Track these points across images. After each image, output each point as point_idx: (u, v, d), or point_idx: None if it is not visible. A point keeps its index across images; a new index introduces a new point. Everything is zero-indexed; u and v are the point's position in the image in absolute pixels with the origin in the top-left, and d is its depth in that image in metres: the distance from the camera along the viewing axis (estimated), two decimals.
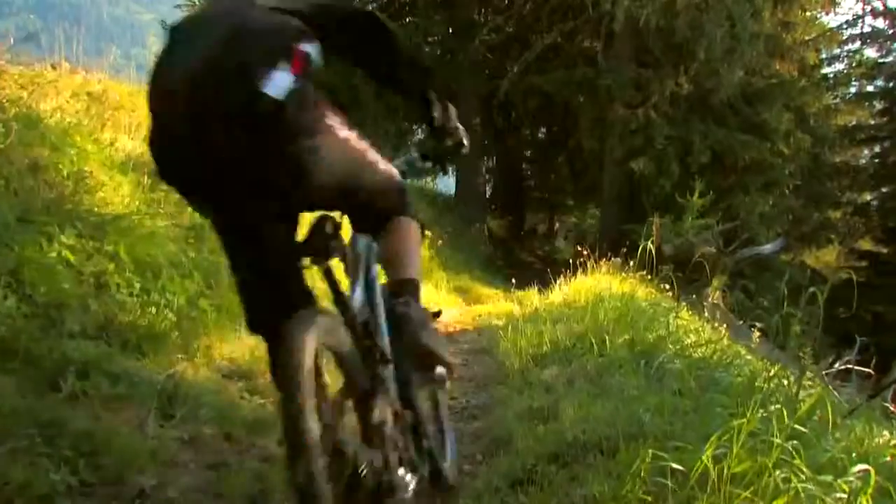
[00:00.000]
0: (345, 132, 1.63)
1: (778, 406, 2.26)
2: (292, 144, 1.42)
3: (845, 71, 18.17)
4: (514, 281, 8.61)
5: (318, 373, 1.50)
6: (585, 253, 7.40)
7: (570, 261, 7.55)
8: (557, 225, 21.20)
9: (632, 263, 6.07)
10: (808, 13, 15.35)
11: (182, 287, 3.92)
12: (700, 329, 5.29)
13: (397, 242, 1.91)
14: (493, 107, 15.33)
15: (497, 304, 8.20)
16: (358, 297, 1.89)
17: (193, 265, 4.23)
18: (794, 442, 2.09)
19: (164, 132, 1.48)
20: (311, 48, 1.46)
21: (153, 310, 3.55)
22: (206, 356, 3.55)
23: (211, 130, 1.38)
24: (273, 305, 1.62)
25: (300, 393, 1.38)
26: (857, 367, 3.87)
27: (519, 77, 14.14)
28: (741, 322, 7.77)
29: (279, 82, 1.37)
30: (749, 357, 4.41)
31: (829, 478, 2.01)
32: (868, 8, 16.38)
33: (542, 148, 19.15)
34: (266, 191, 1.47)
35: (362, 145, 1.73)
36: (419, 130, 18.00)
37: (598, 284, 6.48)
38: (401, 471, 1.79)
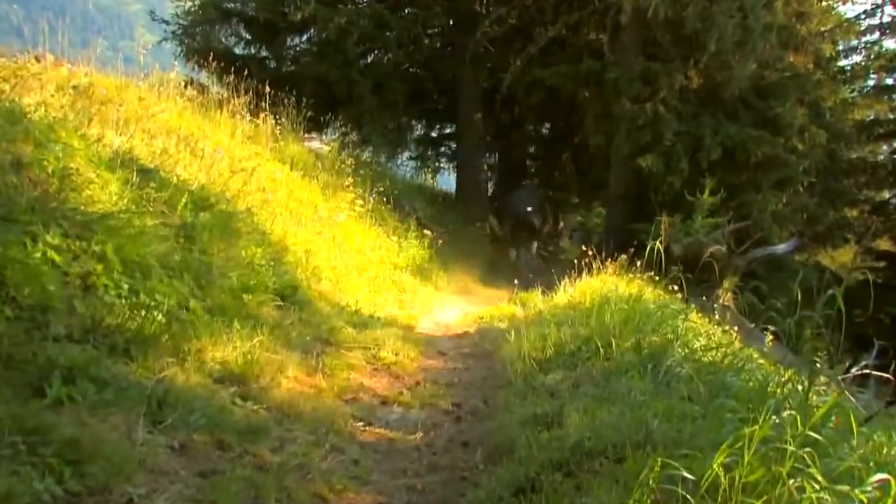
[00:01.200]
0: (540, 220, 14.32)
1: (791, 412, 2.26)
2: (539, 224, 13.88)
3: (863, 63, 18.12)
4: (516, 282, 8.62)
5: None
6: (591, 253, 7.40)
7: (575, 261, 7.55)
8: (562, 224, 21.22)
9: (639, 264, 6.07)
10: (823, 3, 15.32)
11: (172, 288, 3.93)
12: (710, 332, 5.29)
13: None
14: (496, 101, 15.31)
15: (499, 307, 8.21)
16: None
17: (184, 265, 4.24)
18: (809, 450, 2.09)
19: (519, 216, 13.74)
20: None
21: (142, 312, 3.55)
22: (197, 360, 3.56)
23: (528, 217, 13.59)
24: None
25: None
26: (874, 372, 3.87)
27: (522, 70, 14.12)
28: (753, 325, 7.77)
29: (536, 214, 13.98)
30: (761, 361, 4.41)
31: (845, 488, 2.01)
32: None
33: (546, 144, 19.13)
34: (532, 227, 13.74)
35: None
36: (418, 126, 18.04)
37: (604, 286, 6.49)
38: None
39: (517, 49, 14.71)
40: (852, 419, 2.40)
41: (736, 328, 6.14)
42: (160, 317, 3.61)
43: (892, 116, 18.77)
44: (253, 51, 15.19)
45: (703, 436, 2.58)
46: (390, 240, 10.14)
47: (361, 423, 3.81)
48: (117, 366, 3.14)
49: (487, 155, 18.02)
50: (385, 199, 11.11)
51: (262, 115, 10.09)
